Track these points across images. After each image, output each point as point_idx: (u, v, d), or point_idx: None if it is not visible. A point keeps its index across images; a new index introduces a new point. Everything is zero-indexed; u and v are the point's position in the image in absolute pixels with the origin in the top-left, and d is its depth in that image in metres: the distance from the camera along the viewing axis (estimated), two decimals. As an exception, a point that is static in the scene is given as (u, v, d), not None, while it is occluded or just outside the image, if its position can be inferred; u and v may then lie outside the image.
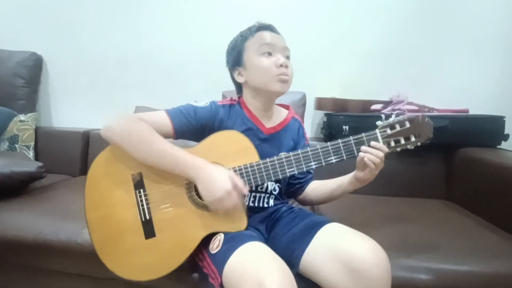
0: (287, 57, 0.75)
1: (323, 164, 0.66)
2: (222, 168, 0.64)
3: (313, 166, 0.66)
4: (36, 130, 1.47)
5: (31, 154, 1.42)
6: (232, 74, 0.79)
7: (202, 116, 0.74)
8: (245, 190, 0.63)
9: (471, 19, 1.28)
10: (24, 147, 1.41)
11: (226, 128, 0.74)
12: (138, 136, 0.65)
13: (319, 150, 0.66)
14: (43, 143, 1.47)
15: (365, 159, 0.63)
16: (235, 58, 0.77)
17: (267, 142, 0.77)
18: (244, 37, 0.75)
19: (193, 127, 0.73)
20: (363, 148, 0.64)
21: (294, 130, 0.83)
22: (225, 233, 0.66)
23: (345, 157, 0.65)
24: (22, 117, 1.43)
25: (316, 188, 0.82)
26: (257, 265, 0.54)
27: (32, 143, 1.44)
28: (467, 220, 0.96)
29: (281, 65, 0.71)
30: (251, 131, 0.75)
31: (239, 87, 0.80)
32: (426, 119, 0.65)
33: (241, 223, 0.67)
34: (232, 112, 0.77)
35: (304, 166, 0.66)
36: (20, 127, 1.41)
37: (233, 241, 0.61)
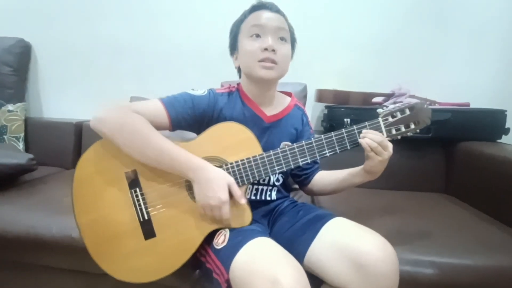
0: (282, 39, 0.68)
1: (327, 154, 0.65)
2: (223, 172, 0.61)
3: (318, 157, 0.65)
4: (26, 120, 1.41)
5: (21, 145, 1.37)
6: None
7: (201, 105, 0.69)
8: (243, 200, 0.61)
9: (472, 12, 1.26)
10: (13, 139, 1.36)
11: (225, 118, 0.70)
12: (131, 130, 0.60)
13: (324, 141, 0.65)
14: (34, 135, 1.41)
15: (362, 141, 0.62)
16: (232, 41, 0.74)
17: (268, 130, 0.73)
18: (241, 18, 0.72)
19: (191, 117, 0.69)
20: (362, 132, 0.63)
21: (297, 119, 0.79)
22: (230, 228, 0.63)
23: (348, 147, 0.65)
24: (10, 107, 1.37)
25: (323, 178, 0.80)
26: (269, 261, 0.52)
27: (22, 134, 1.38)
28: (468, 213, 0.96)
29: (266, 49, 0.65)
30: (252, 120, 0.72)
31: (240, 72, 0.77)
32: (425, 105, 0.65)
33: (246, 218, 0.65)
34: (231, 100, 0.73)
35: (308, 157, 0.65)
36: (8, 117, 1.35)
37: (240, 236, 0.59)
